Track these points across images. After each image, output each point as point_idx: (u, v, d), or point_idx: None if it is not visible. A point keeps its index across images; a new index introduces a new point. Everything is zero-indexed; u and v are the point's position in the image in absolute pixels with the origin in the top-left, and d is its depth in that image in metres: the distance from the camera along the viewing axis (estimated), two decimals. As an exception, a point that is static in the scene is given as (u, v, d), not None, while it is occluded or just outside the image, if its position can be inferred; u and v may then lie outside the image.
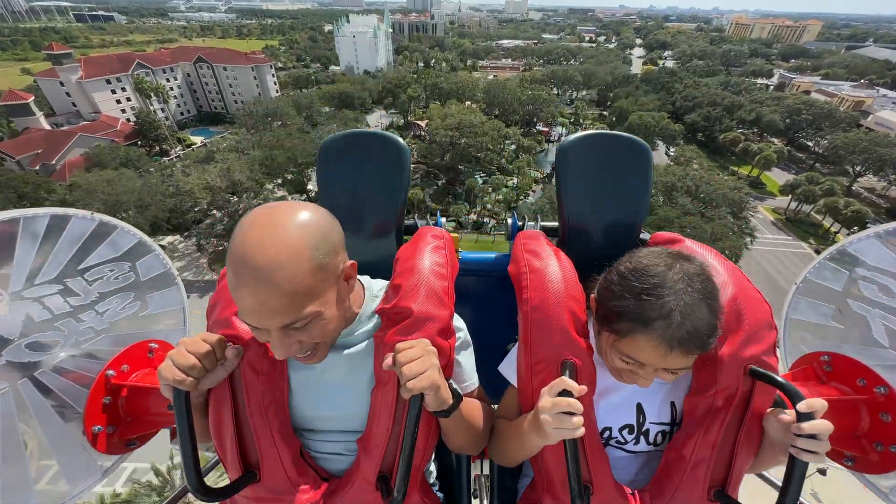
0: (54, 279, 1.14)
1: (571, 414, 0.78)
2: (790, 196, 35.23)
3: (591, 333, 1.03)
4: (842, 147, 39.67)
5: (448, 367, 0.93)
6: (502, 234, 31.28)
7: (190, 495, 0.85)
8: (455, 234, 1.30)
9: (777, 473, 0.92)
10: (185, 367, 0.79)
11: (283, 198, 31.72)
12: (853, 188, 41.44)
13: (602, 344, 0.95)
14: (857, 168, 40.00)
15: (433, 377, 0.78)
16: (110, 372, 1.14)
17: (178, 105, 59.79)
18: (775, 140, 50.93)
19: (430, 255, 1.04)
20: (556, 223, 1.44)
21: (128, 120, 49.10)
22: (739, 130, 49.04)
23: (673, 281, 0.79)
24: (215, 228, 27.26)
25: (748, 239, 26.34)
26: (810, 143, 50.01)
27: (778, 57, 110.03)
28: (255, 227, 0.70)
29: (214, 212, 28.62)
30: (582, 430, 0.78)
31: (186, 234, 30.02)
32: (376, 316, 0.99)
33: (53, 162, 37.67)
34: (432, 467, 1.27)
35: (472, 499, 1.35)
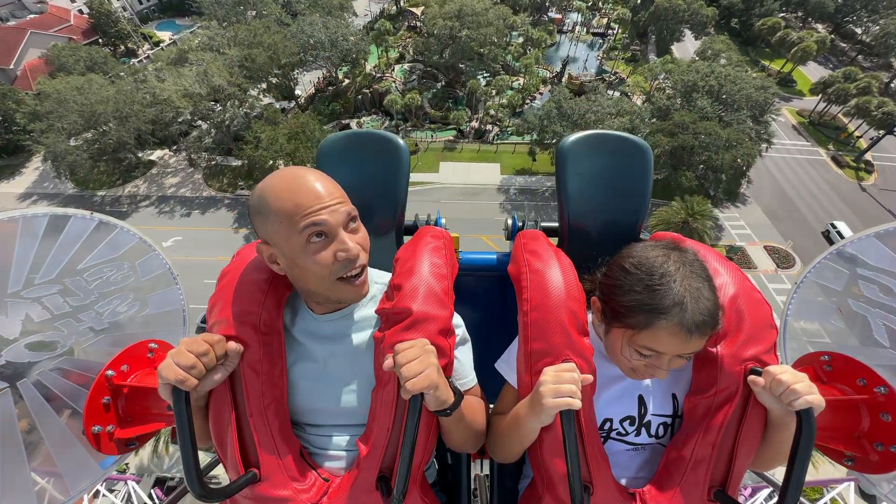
0: (54, 279, 1.12)
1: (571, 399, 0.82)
2: (820, 96, 32.36)
3: (592, 332, 1.02)
4: (893, 34, 35.02)
5: (448, 366, 0.94)
6: (506, 143, 29.75)
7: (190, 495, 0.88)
8: (455, 234, 1.30)
9: (777, 473, 0.97)
10: (186, 367, 0.79)
11: (269, 105, 29.38)
12: (892, 85, 37.81)
13: (613, 343, 0.96)
14: (903, 61, 35.94)
15: (432, 377, 0.79)
16: (110, 372, 1.14)
17: (134, -10, 51.40)
18: (819, 27, 44.73)
19: (430, 256, 1.03)
20: (556, 223, 1.42)
21: (80, 12, 42.82)
22: (781, 15, 42.71)
23: (675, 268, 0.87)
24: (204, 141, 25.89)
25: (764, 146, 25.06)
26: (858, 31, 44.04)
27: None
28: (287, 168, 0.89)
29: (200, 123, 26.84)
30: (580, 403, 0.82)
31: (175, 147, 28.64)
32: (375, 299, 1.02)
33: (12, 66, 34.03)
34: (433, 467, 1.32)
35: (472, 499, 1.40)
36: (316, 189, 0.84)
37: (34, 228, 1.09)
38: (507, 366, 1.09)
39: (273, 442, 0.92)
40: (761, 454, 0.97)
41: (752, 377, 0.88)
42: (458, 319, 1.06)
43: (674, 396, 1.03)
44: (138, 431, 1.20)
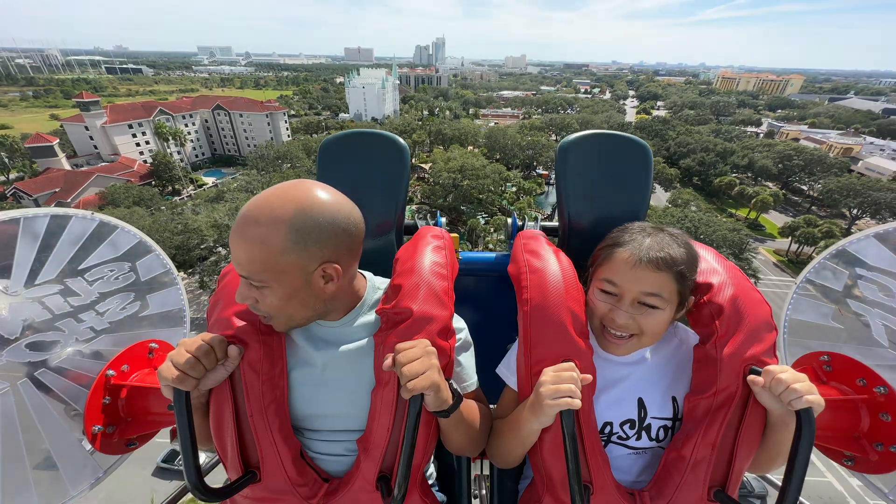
0: (54, 279, 1.14)
1: (571, 397, 0.82)
2: (790, 238, 35.45)
3: (591, 333, 1.04)
4: (836, 191, 40.57)
5: (448, 367, 0.93)
6: (504, 273, 31.24)
7: (190, 495, 0.84)
8: (455, 234, 1.31)
9: (777, 473, 0.91)
10: (186, 368, 0.79)
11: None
12: (851, 230, 41.80)
13: (590, 296, 1.00)
14: (854, 211, 40.67)
15: (433, 377, 0.79)
16: (110, 372, 1.14)
17: (194, 148, 62.78)
18: (770, 184, 52.20)
19: (430, 256, 1.04)
20: (556, 223, 1.44)
21: (145, 161, 51.38)
22: (734, 175, 50.43)
23: (654, 228, 0.96)
24: (219, 266, 27.50)
25: (752, 281, 26.21)
26: (804, 187, 51.21)
27: (764, 108, 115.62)
28: (271, 190, 0.80)
29: (220, 249, 29.00)
30: (579, 402, 0.80)
31: (191, 270, 30.21)
32: (376, 306, 1.01)
33: (69, 200, 38.93)
34: (432, 468, 1.24)
35: (472, 499, 1.31)
36: (231, 234, 0.79)
37: (35, 228, 1.10)
38: (508, 369, 1.06)
39: (273, 442, 0.89)
40: (760, 455, 0.91)
41: (751, 377, 0.86)
42: (461, 323, 1.05)
43: (673, 399, 1.00)
44: (138, 431, 1.17)
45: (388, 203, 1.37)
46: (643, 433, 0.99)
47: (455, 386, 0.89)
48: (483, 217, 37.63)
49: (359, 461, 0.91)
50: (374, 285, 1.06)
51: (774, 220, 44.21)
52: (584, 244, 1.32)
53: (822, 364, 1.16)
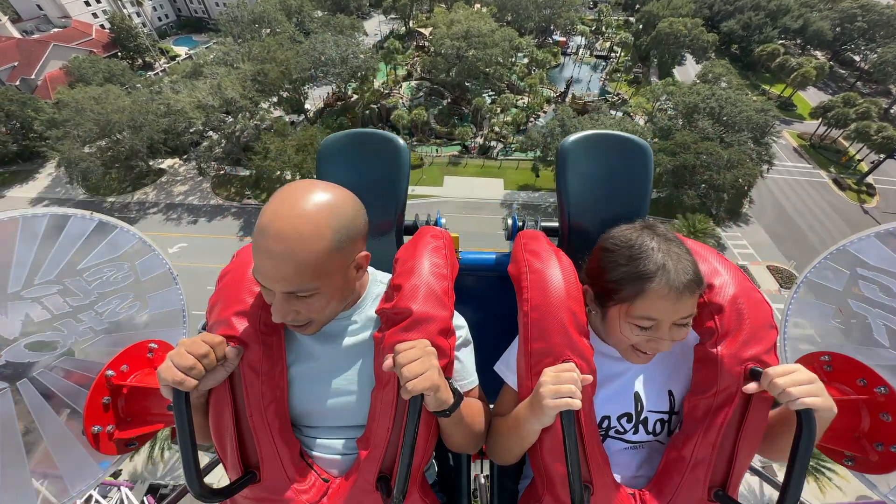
0: (54, 279, 1.13)
1: (571, 399, 0.82)
2: (820, 120, 32.72)
3: (591, 332, 1.03)
4: (891, 62, 35.63)
5: (448, 366, 0.93)
6: (510, 160, 30.20)
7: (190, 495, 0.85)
8: (455, 234, 1.31)
9: (777, 474, 0.99)
10: (185, 368, 0.79)
11: (279, 118, 30.14)
12: (892, 110, 38.22)
13: (612, 325, 0.97)
14: (903, 88, 36.51)
15: (433, 378, 0.80)
16: (110, 372, 1.15)
17: (155, 8, 53.62)
18: (818, 54, 45.61)
19: (430, 256, 1.03)
20: (556, 223, 1.43)
21: (102, 27, 44.62)
22: (780, 42, 43.63)
23: (650, 238, 0.92)
24: (214, 151, 26.47)
25: (765, 167, 25.27)
26: (857, 58, 44.89)
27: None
28: (289, 197, 0.79)
29: (211, 133, 27.50)
30: (580, 403, 0.82)
31: (185, 157, 29.29)
32: (376, 300, 1.02)
33: (33, 76, 35.28)
34: (433, 467, 1.31)
35: (472, 499, 1.37)
36: (268, 256, 0.77)
37: (34, 228, 1.09)
38: (507, 367, 1.08)
39: (273, 442, 0.91)
40: (776, 444, 0.96)
41: (745, 386, 0.87)
42: (460, 321, 1.06)
43: (670, 393, 1.03)
44: (138, 431, 1.20)
45: (388, 203, 1.35)
46: (640, 427, 1.03)
47: (455, 385, 0.91)
48: (490, 95, 34.29)
49: (359, 461, 0.93)
50: (376, 278, 1.07)
51: (811, 98, 40.06)
52: (584, 244, 1.30)
53: (822, 364, 1.17)
